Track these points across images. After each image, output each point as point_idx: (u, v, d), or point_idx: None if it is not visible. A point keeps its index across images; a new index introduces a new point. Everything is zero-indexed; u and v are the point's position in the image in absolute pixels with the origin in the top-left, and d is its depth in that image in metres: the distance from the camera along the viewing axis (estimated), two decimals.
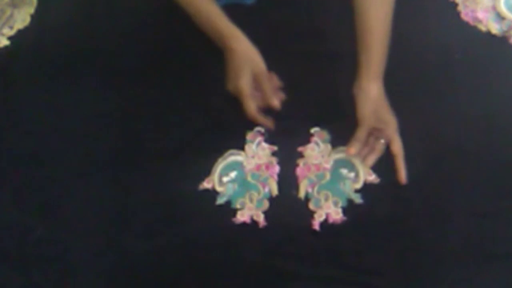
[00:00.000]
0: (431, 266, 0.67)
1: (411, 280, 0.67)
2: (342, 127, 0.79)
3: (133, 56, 0.93)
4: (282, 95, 0.80)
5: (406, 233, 0.70)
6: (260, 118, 0.78)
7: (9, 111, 0.89)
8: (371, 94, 0.77)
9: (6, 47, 0.98)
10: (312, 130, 0.80)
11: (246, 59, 0.80)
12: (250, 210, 0.73)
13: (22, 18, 1.01)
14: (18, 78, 0.93)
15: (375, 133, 0.76)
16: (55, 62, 0.94)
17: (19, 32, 1.00)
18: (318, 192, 0.75)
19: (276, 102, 0.77)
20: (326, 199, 0.74)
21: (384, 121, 0.76)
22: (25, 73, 0.94)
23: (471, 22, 0.91)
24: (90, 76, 0.91)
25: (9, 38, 0.99)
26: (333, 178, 0.76)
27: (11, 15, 1.02)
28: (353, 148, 0.74)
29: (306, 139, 0.80)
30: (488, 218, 0.71)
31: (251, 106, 0.77)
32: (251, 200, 0.74)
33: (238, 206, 0.74)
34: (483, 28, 0.90)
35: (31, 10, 1.03)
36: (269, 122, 0.79)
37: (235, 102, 0.81)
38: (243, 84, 0.77)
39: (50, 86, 0.91)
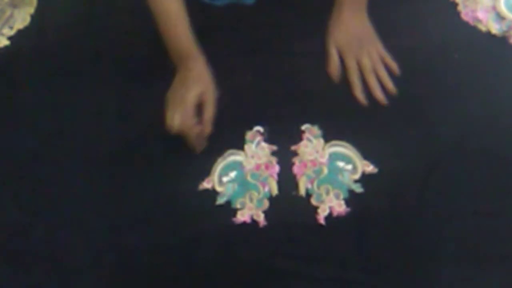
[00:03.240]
0: (431, 266, 0.67)
1: (411, 279, 0.67)
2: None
3: (133, 56, 0.93)
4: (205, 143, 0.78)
5: (405, 233, 0.70)
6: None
7: (9, 111, 0.89)
8: (349, 25, 0.81)
9: (6, 47, 0.98)
10: (303, 127, 0.81)
11: (201, 81, 0.77)
12: (250, 210, 0.73)
13: (22, 18, 1.01)
14: (18, 78, 0.93)
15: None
16: (55, 62, 0.94)
17: (19, 32, 1.00)
18: (318, 187, 0.75)
19: (208, 129, 0.76)
20: (327, 193, 0.74)
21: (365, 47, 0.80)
22: (25, 73, 0.94)
23: (471, 22, 0.91)
24: (90, 76, 0.91)
25: (9, 38, 0.99)
26: (330, 171, 0.76)
27: (11, 15, 1.02)
28: (334, 73, 0.80)
29: (298, 136, 0.80)
30: (488, 218, 0.70)
31: (190, 118, 0.74)
32: (251, 200, 0.74)
33: (238, 206, 0.74)
34: (483, 28, 0.90)
35: (31, 10, 1.03)
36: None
37: (234, 102, 0.82)
38: (190, 97, 0.74)
39: (50, 86, 0.91)
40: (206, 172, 0.77)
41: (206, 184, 0.76)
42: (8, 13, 1.03)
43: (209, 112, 0.76)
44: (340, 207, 0.72)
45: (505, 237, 0.69)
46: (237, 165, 0.78)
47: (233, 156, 0.79)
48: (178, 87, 0.77)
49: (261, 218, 0.73)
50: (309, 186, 0.75)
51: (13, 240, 0.75)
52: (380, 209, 0.72)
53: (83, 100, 0.88)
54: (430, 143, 0.77)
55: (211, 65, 0.83)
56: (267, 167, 0.77)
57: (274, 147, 0.79)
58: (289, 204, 0.74)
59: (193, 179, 0.77)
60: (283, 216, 0.73)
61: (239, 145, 0.80)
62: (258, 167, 0.77)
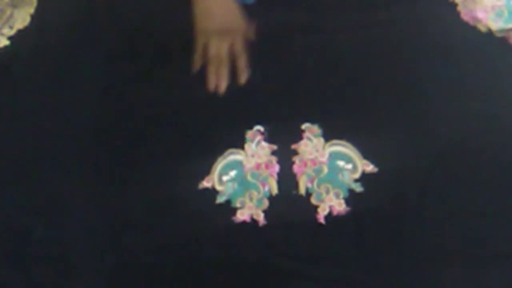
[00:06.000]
0: (431, 266, 0.67)
1: (411, 279, 0.67)
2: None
3: (134, 56, 0.93)
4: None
5: (405, 232, 0.70)
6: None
7: (8, 111, 0.89)
8: (213, 11, 0.80)
9: (6, 47, 0.98)
10: (303, 126, 0.81)
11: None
12: (250, 209, 0.73)
13: (22, 18, 1.02)
14: (18, 78, 0.93)
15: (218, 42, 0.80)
16: (55, 62, 0.94)
17: (19, 32, 1.00)
18: (318, 186, 0.75)
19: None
20: (327, 192, 0.74)
21: (228, 30, 0.80)
22: (25, 73, 0.94)
23: (471, 22, 0.91)
24: (90, 76, 0.91)
25: (9, 38, 0.99)
26: (330, 170, 0.76)
27: (11, 15, 1.02)
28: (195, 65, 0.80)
29: (298, 135, 0.80)
30: (488, 218, 0.70)
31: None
32: (251, 199, 0.74)
33: (238, 205, 0.74)
34: (483, 28, 0.90)
35: (31, 10, 1.03)
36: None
37: (235, 101, 0.82)
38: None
39: (50, 86, 0.91)
40: (206, 171, 0.77)
41: (206, 183, 0.76)
42: (8, 13, 1.03)
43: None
44: (340, 206, 0.72)
45: (505, 237, 0.69)
46: (237, 164, 0.78)
47: (233, 155, 0.79)
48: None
49: (260, 218, 0.73)
50: (309, 185, 0.75)
51: (13, 240, 0.74)
52: (380, 208, 0.72)
53: (83, 100, 0.88)
54: (431, 143, 0.77)
55: None
56: (267, 166, 0.77)
57: (274, 147, 0.79)
58: (289, 203, 0.74)
59: (193, 178, 0.77)
60: (283, 216, 0.72)
61: (239, 144, 0.80)
62: (258, 166, 0.77)
